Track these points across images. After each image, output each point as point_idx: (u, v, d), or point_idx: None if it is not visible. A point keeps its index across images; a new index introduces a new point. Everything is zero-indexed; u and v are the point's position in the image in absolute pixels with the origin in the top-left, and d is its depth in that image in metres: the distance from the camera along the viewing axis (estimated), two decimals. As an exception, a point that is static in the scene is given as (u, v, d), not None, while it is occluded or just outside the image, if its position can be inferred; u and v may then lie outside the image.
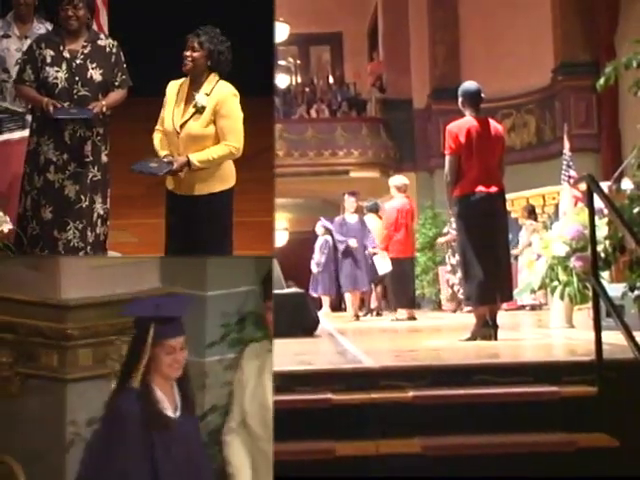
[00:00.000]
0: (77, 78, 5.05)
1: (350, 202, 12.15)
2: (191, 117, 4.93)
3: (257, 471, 3.74)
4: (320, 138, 18.32)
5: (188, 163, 4.88)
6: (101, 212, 5.20)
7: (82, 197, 5.12)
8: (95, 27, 6.87)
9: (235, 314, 4.14)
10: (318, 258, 14.57)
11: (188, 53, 4.92)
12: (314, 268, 14.68)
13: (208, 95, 4.91)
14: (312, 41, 22.53)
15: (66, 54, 5.06)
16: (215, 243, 4.98)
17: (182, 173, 4.92)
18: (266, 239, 5.70)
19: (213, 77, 4.96)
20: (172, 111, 5.00)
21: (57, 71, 5.03)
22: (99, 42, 5.16)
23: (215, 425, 3.99)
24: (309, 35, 21.70)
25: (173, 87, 5.06)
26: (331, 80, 21.78)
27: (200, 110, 4.90)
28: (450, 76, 17.04)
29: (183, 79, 5.05)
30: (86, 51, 5.09)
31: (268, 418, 3.70)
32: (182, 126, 4.94)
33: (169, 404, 3.14)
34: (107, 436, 3.10)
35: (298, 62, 23.14)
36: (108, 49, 5.15)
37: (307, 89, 20.72)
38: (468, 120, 6.46)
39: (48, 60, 5.04)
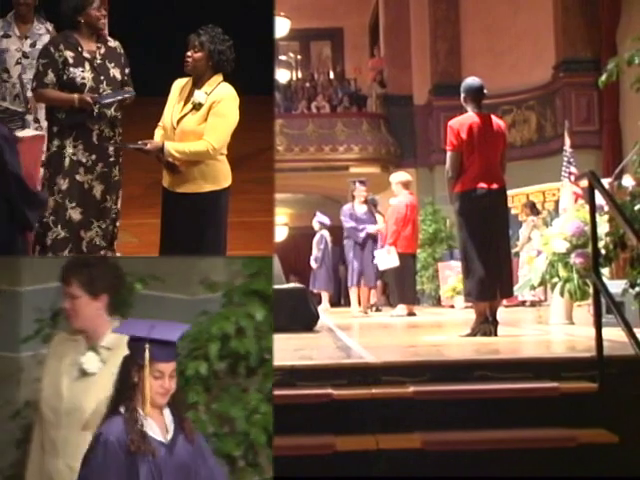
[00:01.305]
0: (102, 77, 5.15)
1: (360, 191, 11.72)
2: (188, 113, 4.96)
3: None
4: (320, 133, 18.31)
5: (162, 149, 4.91)
6: (117, 211, 5.32)
7: (107, 197, 5.22)
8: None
9: (49, 310, 4.13)
10: (315, 254, 14.60)
11: (189, 53, 4.96)
12: (313, 264, 14.70)
13: (207, 94, 4.93)
14: (313, 36, 22.52)
15: (86, 54, 5.14)
16: (205, 242, 4.99)
17: (168, 167, 4.98)
18: (266, 239, 5.71)
19: (216, 78, 4.99)
20: (172, 108, 5.04)
21: (82, 71, 5.11)
22: (109, 44, 5.28)
23: (31, 420, 3.96)
24: (310, 30, 21.69)
25: (177, 85, 5.11)
26: (332, 75, 21.75)
27: (197, 107, 4.93)
28: (451, 72, 17.07)
29: (188, 78, 5.07)
30: (102, 52, 5.20)
31: (59, 405, 3.71)
32: (178, 122, 4.98)
33: (158, 428, 3.06)
34: (95, 465, 3.04)
35: (299, 57, 23.13)
36: (118, 50, 5.30)
37: (308, 84, 20.71)
38: (470, 116, 6.46)
39: (70, 61, 5.10)
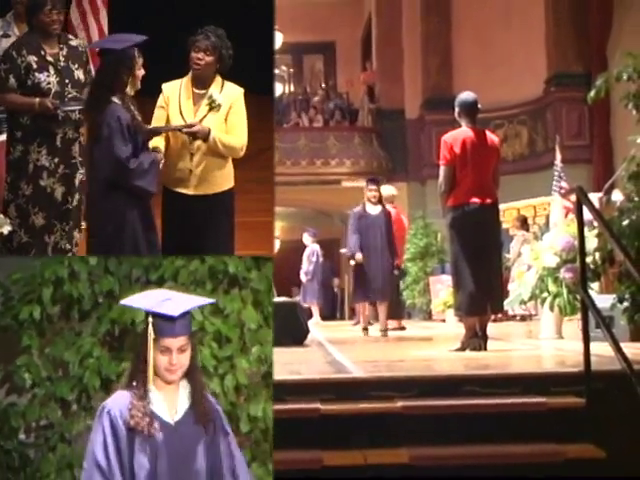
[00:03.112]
0: (67, 80, 5.13)
1: (372, 190, 9.94)
2: (207, 114, 4.98)
3: None
4: (312, 147, 18.33)
5: (208, 135, 4.95)
6: (79, 213, 5.23)
7: (69, 198, 5.18)
8: (95, 27, 6.96)
9: None
10: (307, 267, 14.59)
11: (200, 56, 4.98)
12: (303, 277, 14.69)
13: (219, 93, 5.00)
14: (305, 50, 22.58)
15: (49, 58, 5.11)
16: (220, 242, 5.03)
17: (195, 159, 5.01)
18: (266, 239, 5.71)
19: (219, 78, 5.07)
20: (178, 111, 5.04)
21: (47, 76, 5.08)
22: (71, 43, 5.25)
23: None
24: (302, 44, 21.75)
25: (172, 88, 5.10)
26: (324, 89, 21.79)
27: (216, 108, 4.96)
28: (443, 86, 17.10)
29: (180, 80, 5.09)
30: (64, 53, 5.16)
31: None
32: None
33: (166, 407, 2.95)
34: (95, 436, 2.99)
35: (291, 70, 23.18)
36: (80, 49, 5.26)
37: (300, 97, 20.75)
38: (464, 131, 6.48)
39: (34, 66, 5.07)
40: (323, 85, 21.96)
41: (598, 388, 4.25)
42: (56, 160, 5.12)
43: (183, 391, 2.99)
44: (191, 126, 4.97)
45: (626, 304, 4.89)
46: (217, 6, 6.77)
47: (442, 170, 6.45)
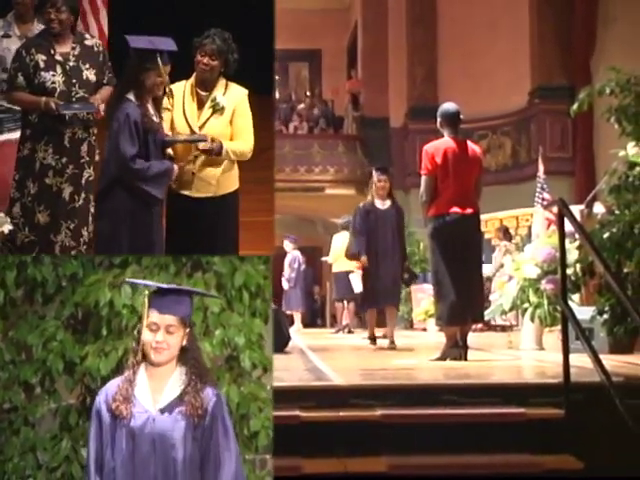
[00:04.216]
0: (74, 80, 5.13)
1: (381, 181, 8.69)
2: (210, 117, 4.98)
3: None
4: (296, 154, 18.36)
5: (221, 148, 4.98)
6: (94, 211, 5.24)
7: (76, 197, 5.19)
8: (95, 27, 6.94)
9: None
10: (288, 274, 14.57)
11: (206, 60, 4.99)
12: (285, 285, 14.67)
13: (223, 96, 4.99)
14: (291, 57, 22.60)
15: (58, 57, 5.12)
16: (226, 244, 5.05)
17: (197, 162, 5.05)
18: (266, 239, 5.71)
19: (222, 79, 5.08)
20: (182, 113, 5.04)
21: (53, 75, 5.10)
22: (86, 42, 5.24)
23: None
24: (288, 51, 21.73)
25: (177, 89, 5.10)
26: (309, 96, 21.82)
27: (220, 110, 4.96)
28: (428, 96, 17.16)
29: (186, 81, 5.10)
30: (76, 52, 5.16)
31: None
32: (202, 127, 5.00)
33: (150, 393, 2.90)
34: (89, 424, 2.98)
35: (277, 78, 23.18)
36: (96, 48, 5.25)
37: (285, 105, 20.76)
38: (446, 141, 6.49)
39: (42, 65, 5.08)
40: (308, 93, 21.99)
41: (577, 399, 4.26)
42: (64, 160, 5.13)
43: (175, 380, 2.93)
44: (204, 140, 4.98)
45: (606, 316, 4.93)
46: (217, 6, 6.75)
47: (423, 180, 6.47)
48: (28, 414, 4.14)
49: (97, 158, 5.24)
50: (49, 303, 4.19)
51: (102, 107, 5.18)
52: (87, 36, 5.35)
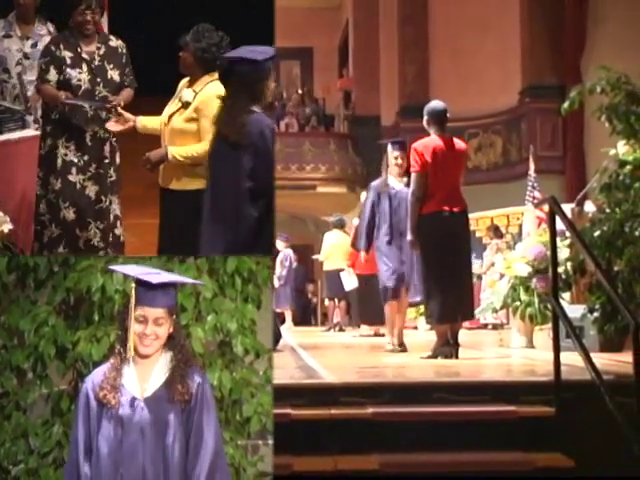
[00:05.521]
0: (99, 79, 5.20)
1: (397, 157, 7.56)
2: (177, 111, 4.96)
3: None
4: (288, 152, 18.32)
5: (166, 155, 4.90)
6: (117, 213, 5.35)
7: (102, 198, 5.25)
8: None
9: None
10: (279, 272, 14.54)
11: (180, 53, 4.99)
12: (276, 282, 14.64)
13: (196, 93, 4.94)
14: (282, 55, 22.51)
15: (84, 55, 5.19)
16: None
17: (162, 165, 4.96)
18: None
19: (209, 76, 4.93)
20: (168, 106, 5.06)
21: (79, 72, 5.16)
22: (110, 43, 5.31)
23: None
24: (279, 49, 21.50)
25: (180, 84, 5.13)
26: (300, 94, 21.80)
27: (185, 105, 4.94)
28: (419, 95, 17.12)
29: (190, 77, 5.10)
30: (101, 52, 5.24)
31: None
32: (169, 119, 4.99)
33: (137, 381, 2.91)
34: (76, 409, 2.98)
35: (269, 76, 23.15)
36: (120, 50, 5.32)
37: (276, 103, 20.74)
38: (433, 139, 6.50)
39: (68, 61, 5.16)
40: (300, 91, 21.97)
41: (568, 397, 4.28)
42: (85, 157, 5.20)
43: (161, 367, 2.95)
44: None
45: (596, 314, 4.92)
46: (217, 6, 6.74)
47: (414, 177, 6.47)
48: (20, 399, 4.16)
49: (118, 160, 5.32)
50: (41, 288, 4.21)
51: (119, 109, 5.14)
52: (111, 37, 5.41)
